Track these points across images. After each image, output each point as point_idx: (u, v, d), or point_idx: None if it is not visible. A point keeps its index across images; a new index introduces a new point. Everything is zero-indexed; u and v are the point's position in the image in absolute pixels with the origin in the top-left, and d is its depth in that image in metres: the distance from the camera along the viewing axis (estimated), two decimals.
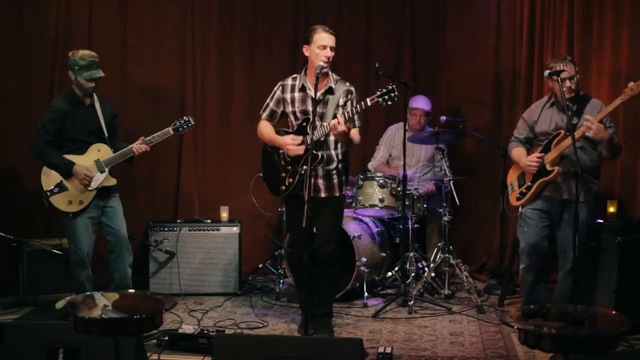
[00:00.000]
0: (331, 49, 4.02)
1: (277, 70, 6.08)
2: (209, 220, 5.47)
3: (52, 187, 4.27)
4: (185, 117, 4.54)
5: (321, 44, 4.01)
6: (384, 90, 3.81)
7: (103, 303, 3.07)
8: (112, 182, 4.40)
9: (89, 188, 4.29)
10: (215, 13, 6.06)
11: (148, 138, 4.41)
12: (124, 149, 4.39)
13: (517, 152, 4.36)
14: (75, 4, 5.63)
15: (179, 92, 6.00)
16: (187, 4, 5.96)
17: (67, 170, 4.26)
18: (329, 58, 4.00)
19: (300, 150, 4.05)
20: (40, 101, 5.49)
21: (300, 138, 4.07)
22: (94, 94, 4.42)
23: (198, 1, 6.00)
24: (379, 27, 6.29)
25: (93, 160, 4.32)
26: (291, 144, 4.08)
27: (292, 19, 6.20)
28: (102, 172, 4.33)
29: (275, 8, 6.19)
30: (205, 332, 3.93)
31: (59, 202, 4.28)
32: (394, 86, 3.81)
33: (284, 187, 4.16)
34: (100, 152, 4.36)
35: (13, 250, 4.97)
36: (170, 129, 4.46)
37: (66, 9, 5.59)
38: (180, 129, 4.50)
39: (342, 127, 3.81)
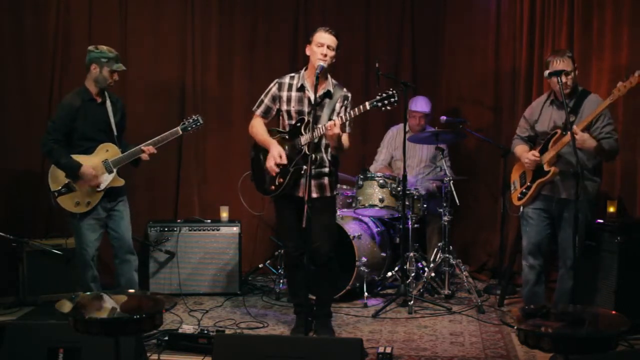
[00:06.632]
0: (329, 48, 3.98)
1: (277, 70, 6.06)
2: (209, 220, 5.47)
3: (60, 187, 4.21)
4: (194, 116, 4.47)
5: (319, 42, 3.99)
6: (383, 95, 3.79)
7: (103, 303, 3.07)
8: (120, 182, 4.32)
9: (97, 189, 4.23)
10: (215, 13, 6.07)
11: (156, 139, 4.33)
12: (133, 149, 4.31)
13: (520, 149, 4.35)
14: (75, 4, 5.63)
15: (179, 92, 6.00)
16: (187, 4, 5.97)
17: (74, 172, 4.17)
18: (325, 55, 3.96)
19: (275, 170, 3.99)
20: (40, 101, 5.50)
21: (285, 159, 3.99)
22: (106, 92, 4.32)
23: (198, 1, 6.00)
24: (379, 27, 6.29)
25: (101, 161, 4.24)
26: (275, 158, 3.98)
27: (292, 19, 6.20)
28: (110, 172, 4.26)
29: (275, 8, 6.19)
30: (205, 332, 3.93)
31: (67, 202, 4.21)
32: (393, 92, 3.78)
33: (274, 187, 4.10)
34: (109, 152, 4.27)
35: (13, 250, 4.96)
36: (179, 129, 4.40)
37: (66, 9, 5.59)
38: (189, 129, 4.43)
39: (337, 130, 3.79)
